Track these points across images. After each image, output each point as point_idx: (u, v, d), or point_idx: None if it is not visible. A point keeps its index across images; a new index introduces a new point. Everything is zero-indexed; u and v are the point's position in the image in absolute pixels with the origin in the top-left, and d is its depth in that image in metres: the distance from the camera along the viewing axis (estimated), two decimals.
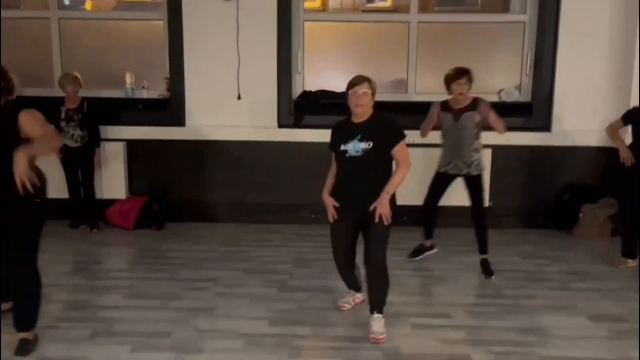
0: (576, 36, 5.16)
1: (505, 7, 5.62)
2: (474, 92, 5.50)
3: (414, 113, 5.38)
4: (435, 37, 5.54)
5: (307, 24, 5.50)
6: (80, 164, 5.22)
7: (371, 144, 3.01)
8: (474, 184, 4.08)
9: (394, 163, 3.10)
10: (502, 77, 5.58)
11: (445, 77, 4.13)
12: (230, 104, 5.43)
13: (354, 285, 3.46)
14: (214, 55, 5.36)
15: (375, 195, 2.98)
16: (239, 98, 5.42)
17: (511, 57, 5.52)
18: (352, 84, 3.09)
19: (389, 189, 2.98)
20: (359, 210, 3.05)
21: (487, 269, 4.09)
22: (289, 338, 3.05)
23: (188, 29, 5.35)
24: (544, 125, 5.36)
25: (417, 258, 4.45)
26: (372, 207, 2.97)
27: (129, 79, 5.57)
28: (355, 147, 3.03)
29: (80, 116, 5.09)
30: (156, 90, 5.61)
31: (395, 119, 3.22)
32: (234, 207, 5.54)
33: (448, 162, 4.14)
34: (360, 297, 3.48)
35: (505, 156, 5.27)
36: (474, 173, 4.07)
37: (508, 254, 4.58)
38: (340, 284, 3.52)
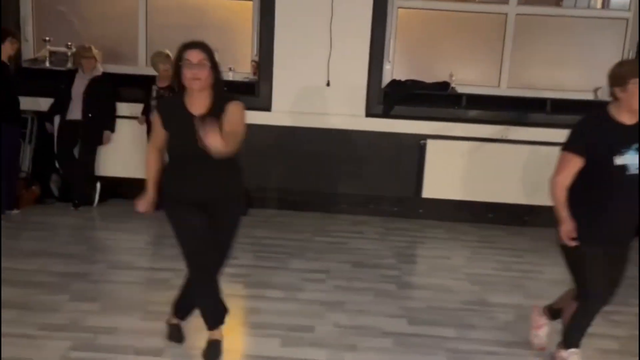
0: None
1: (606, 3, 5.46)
2: (567, 89, 5.46)
3: (505, 108, 5.34)
4: (531, 29, 5.39)
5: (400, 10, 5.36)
6: None
7: None
8: None
9: None
10: (599, 75, 5.42)
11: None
12: (319, 90, 5.30)
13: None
14: (305, 40, 5.23)
15: None
16: (328, 85, 5.29)
17: (611, 54, 5.36)
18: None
19: None
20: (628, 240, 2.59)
21: None
22: (437, 339, 2.96)
23: (280, 11, 5.21)
24: None
25: None
26: None
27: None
28: (634, 160, 2.36)
29: (171, 95, 4.97)
30: (242, 73, 5.49)
31: None
32: (316, 195, 5.43)
33: None
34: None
35: None
36: None
37: None
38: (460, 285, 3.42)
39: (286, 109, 5.35)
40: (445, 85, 5.33)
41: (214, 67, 2.44)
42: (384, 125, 5.33)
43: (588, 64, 5.45)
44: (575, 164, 2.42)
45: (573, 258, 2.53)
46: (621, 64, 2.49)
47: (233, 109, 2.46)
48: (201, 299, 2.63)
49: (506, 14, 5.30)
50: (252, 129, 5.31)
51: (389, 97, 5.33)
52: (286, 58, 5.29)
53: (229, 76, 5.44)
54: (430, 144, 5.21)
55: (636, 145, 2.36)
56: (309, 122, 5.32)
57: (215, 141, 2.21)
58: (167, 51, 4.98)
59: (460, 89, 5.32)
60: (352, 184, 5.41)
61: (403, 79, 5.41)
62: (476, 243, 4.75)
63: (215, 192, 2.53)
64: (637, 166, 2.36)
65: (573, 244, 2.43)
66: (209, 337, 2.65)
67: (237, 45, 5.61)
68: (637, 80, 2.30)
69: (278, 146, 5.38)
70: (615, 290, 2.59)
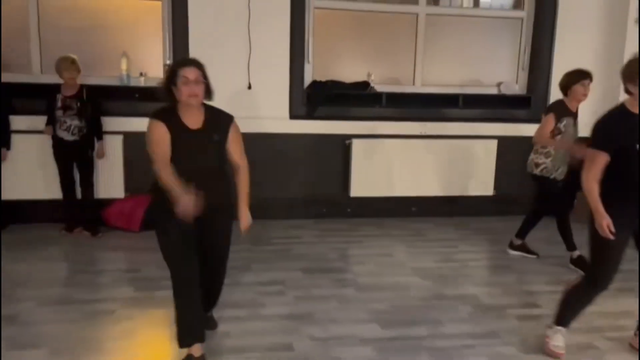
0: (571, 31, 5.53)
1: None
2: (474, 84, 5.81)
3: (420, 105, 5.55)
4: (441, 29, 5.64)
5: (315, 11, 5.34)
6: (76, 159, 4.66)
7: None
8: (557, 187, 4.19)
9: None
10: (500, 71, 5.85)
11: (567, 78, 4.03)
12: (240, 94, 5.12)
13: None
14: (222, 42, 5.02)
15: None
16: (249, 87, 5.13)
17: (509, 51, 5.80)
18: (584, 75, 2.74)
19: None
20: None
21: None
22: (413, 341, 2.99)
23: (194, 11, 4.95)
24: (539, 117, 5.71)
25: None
26: None
27: (124, 64, 5.04)
28: None
29: (79, 104, 4.53)
30: (155, 78, 5.13)
31: None
32: None
33: (558, 167, 4.09)
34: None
35: (508, 147, 5.54)
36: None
37: (529, 241, 4.83)
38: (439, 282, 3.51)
39: None
40: (365, 84, 5.42)
41: (207, 83, 2.54)
42: (309, 127, 5.29)
43: (491, 61, 5.84)
44: (603, 159, 2.56)
45: (599, 246, 2.64)
46: (632, 62, 2.64)
47: (236, 128, 2.66)
48: (180, 311, 2.57)
49: (417, 14, 5.49)
50: None
51: (312, 98, 5.30)
52: (203, 61, 5.01)
53: (140, 82, 5.08)
54: (356, 144, 5.27)
55: None
56: None
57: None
58: (73, 56, 4.50)
59: (379, 88, 5.43)
60: (282, 188, 5.31)
61: (322, 79, 5.40)
62: (409, 237, 4.90)
63: (212, 202, 2.52)
64: None
65: (612, 237, 2.53)
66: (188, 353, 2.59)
67: (146, 48, 5.24)
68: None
69: None
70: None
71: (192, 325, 2.58)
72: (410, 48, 5.59)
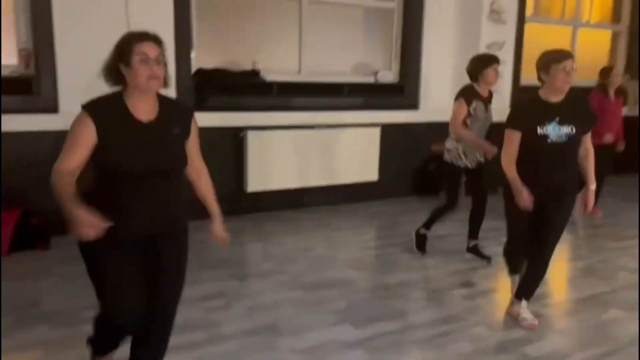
0: (437, 23, 5.94)
1: None
2: (350, 74, 5.91)
3: (308, 94, 5.48)
4: (323, 17, 5.60)
5: None
6: None
7: (573, 128, 2.81)
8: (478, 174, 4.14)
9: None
10: (377, 60, 6.04)
11: (477, 63, 4.00)
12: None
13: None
14: (96, 24, 4.30)
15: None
16: None
17: (384, 41, 6.02)
18: (563, 56, 2.78)
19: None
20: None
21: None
22: (394, 336, 2.95)
23: None
24: (413, 103, 6.07)
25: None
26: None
27: None
28: (556, 131, 2.79)
29: None
30: (8, 66, 4.21)
31: None
32: None
33: (467, 154, 4.01)
34: None
35: (390, 134, 5.78)
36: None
37: (421, 221, 5.12)
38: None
39: (77, 109, 4.33)
40: (254, 73, 5.14)
41: (166, 64, 2.04)
42: (199, 120, 4.83)
43: (370, 50, 6.00)
44: (516, 137, 2.85)
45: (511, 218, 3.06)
46: (544, 53, 2.86)
47: (196, 124, 2.20)
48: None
49: (300, 1, 5.36)
50: (31, 137, 4.25)
51: (200, 89, 4.86)
52: (72, 46, 4.25)
53: None
54: (251, 136, 4.99)
55: (558, 119, 2.80)
56: None
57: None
58: None
59: (268, 77, 5.21)
60: None
61: (208, 67, 4.99)
62: (318, 228, 4.83)
63: (166, 221, 2.08)
64: (559, 135, 2.80)
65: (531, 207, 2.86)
66: None
67: None
68: (557, 64, 2.75)
69: None
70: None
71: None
72: (295, 36, 5.45)
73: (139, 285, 2.05)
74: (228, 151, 5.05)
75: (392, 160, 5.87)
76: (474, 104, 3.98)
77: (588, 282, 3.81)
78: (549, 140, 2.79)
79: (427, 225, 4.26)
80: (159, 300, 2.08)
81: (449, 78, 6.14)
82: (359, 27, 5.93)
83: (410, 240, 4.46)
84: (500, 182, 3.04)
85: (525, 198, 2.83)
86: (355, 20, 5.88)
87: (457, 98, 4.06)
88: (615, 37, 7.72)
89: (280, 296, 3.40)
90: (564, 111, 2.81)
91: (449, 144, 4.10)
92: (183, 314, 2.96)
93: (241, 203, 5.13)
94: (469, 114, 3.99)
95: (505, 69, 6.11)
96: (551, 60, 2.79)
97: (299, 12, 5.40)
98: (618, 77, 5.34)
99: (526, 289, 3.08)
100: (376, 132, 5.71)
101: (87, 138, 1.92)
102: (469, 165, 4.06)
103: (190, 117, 2.15)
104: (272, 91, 5.19)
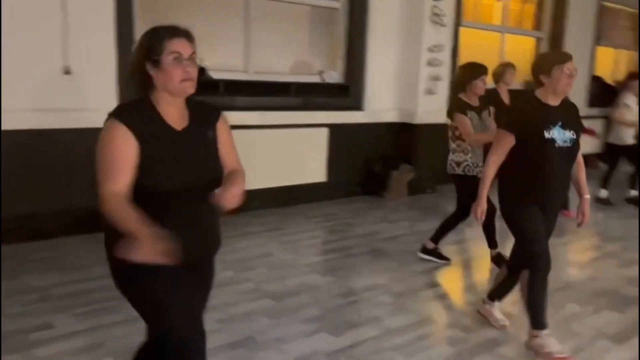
0: (381, 25, 5.97)
1: None
2: (297, 73, 5.81)
3: (255, 94, 5.32)
4: (271, 16, 5.45)
5: None
6: None
7: (574, 133, 2.70)
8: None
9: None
10: (323, 59, 5.98)
11: (466, 73, 3.87)
12: (56, 81, 4.11)
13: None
14: (29, 15, 3.92)
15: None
16: (67, 73, 4.15)
17: (330, 41, 5.96)
18: (565, 58, 2.68)
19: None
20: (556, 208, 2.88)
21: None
22: (373, 342, 2.90)
23: None
24: (358, 104, 6.06)
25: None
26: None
27: None
28: (561, 136, 2.66)
29: None
30: None
31: None
32: (68, 215, 4.28)
33: (477, 164, 3.86)
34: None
35: (337, 134, 5.75)
36: None
37: (373, 222, 5.14)
38: None
39: (14, 106, 3.94)
40: (200, 71, 4.88)
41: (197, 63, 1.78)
42: None
43: (316, 49, 5.92)
44: (507, 140, 2.70)
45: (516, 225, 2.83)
46: (544, 55, 2.82)
47: (227, 124, 1.92)
48: None
49: None
50: None
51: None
52: (4, 40, 3.85)
53: None
54: None
55: (560, 123, 2.67)
56: (49, 122, 4.08)
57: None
58: None
59: (214, 75, 5.00)
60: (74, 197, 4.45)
61: None
62: (271, 233, 4.69)
63: (212, 243, 1.89)
64: (564, 140, 2.66)
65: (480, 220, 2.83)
66: None
67: None
68: (560, 66, 2.63)
69: (13, 159, 3.95)
70: None
71: None
72: (240, 33, 5.27)
73: (194, 297, 1.84)
74: None
75: (340, 160, 5.84)
76: (469, 115, 3.86)
77: None
78: (556, 145, 2.64)
79: (436, 239, 4.12)
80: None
81: (393, 80, 6.22)
82: (305, 26, 5.85)
83: (367, 242, 4.47)
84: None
85: (482, 208, 2.79)
86: (301, 19, 5.79)
87: (450, 114, 3.93)
88: (538, 43, 8.16)
89: (250, 306, 3.24)
90: (564, 115, 2.70)
91: (456, 157, 3.93)
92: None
93: None
94: None
95: (444, 71, 6.29)
96: (553, 62, 2.67)
97: (244, 9, 5.23)
98: None
99: (502, 292, 3.11)
100: (324, 133, 5.66)
101: (130, 147, 1.66)
102: (478, 175, 3.77)
103: (217, 118, 1.89)
104: (218, 90, 4.98)
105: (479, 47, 7.31)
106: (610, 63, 9.56)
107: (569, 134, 2.68)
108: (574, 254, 4.62)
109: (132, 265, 1.58)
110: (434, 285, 3.76)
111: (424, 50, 6.09)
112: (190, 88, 1.74)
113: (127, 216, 1.61)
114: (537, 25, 8.15)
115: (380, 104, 6.18)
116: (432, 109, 6.14)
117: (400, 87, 6.25)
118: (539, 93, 2.75)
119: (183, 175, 1.73)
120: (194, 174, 1.75)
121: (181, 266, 1.68)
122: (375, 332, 3.01)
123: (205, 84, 4.89)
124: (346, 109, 5.94)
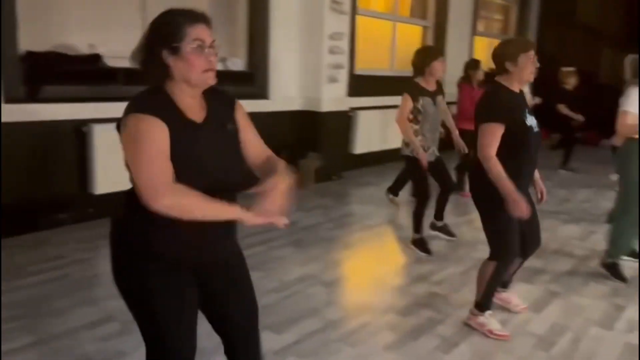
0: (285, 12, 5.88)
1: None
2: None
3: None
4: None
5: None
6: None
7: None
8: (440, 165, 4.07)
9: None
10: (224, 47, 5.74)
11: (424, 56, 3.85)
12: None
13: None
14: None
15: None
16: None
17: (232, 28, 5.75)
18: (529, 46, 2.63)
19: None
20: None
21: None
22: (320, 335, 2.85)
23: None
24: (263, 93, 5.93)
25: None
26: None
27: None
28: (533, 122, 2.65)
29: None
30: None
31: None
32: None
33: (428, 147, 3.92)
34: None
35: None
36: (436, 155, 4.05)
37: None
38: None
39: None
40: (94, 58, 4.49)
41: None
42: (31, 113, 4.08)
43: (215, 36, 5.64)
44: (499, 130, 2.58)
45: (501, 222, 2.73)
46: (507, 42, 2.73)
47: (242, 108, 1.77)
48: None
49: None
50: None
51: (33, 76, 4.08)
52: None
53: None
54: (97, 130, 4.37)
55: (527, 109, 2.66)
56: None
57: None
58: None
59: (112, 63, 4.60)
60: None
61: (39, 51, 4.21)
62: None
63: (232, 243, 1.79)
64: (535, 125, 2.66)
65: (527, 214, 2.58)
66: None
67: None
68: (526, 54, 2.59)
69: None
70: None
71: None
72: (137, 17, 4.89)
73: (195, 312, 1.72)
74: (68, 148, 4.35)
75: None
76: (421, 101, 3.85)
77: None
78: (534, 131, 2.64)
79: (417, 229, 4.12)
80: (244, 308, 1.84)
81: (297, 67, 6.17)
82: (205, 11, 5.55)
83: (287, 233, 4.39)
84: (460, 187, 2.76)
85: (524, 206, 2.54)
86: (201, 4, 5.49)
87: (403, 94, 3.92)
88: (425, 31, 8.54)
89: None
90: (525, 102, 2.71)
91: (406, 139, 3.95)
92: (77, 350, 2.51)
93: (88, 208, 4.47)
94: (418, 111, 3.87)
95: (344, 60, 6.36)
96: (519, 49, 2.61)
97: None
98: (482, 72, 5.79)
99: (490, 299, 2.92)
100: None
101: (165, 140, 1.50)
102: (430, 158, 3.96)
103: (232, 105, 1.74)
104: (117, 79, 4.59)
105: (372, 35, 7.50)
106: (486, 52, 10.30)
107: (535, 120, 2.68)
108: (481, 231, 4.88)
109: (139, 269, 1.61)
110: (362, 271, 3.80)
111: (326, 38, 6.10)
112: (211, 79, 1.59)
113: (207, 203, 1.51)
114: (424, 15, 8.51)
115: (286, 92, 6.11)
116: (335, 96, 6.19)
117: (305, 75, 6.22)
118: (505, 81, 2.68)
119: (202, 173, 1.57)
120: (216, 173, 1.61)
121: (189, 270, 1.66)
122: (317, 325, 2.96)
123: (102, 73, 4.51)
124: (251, 97, 5.78)
